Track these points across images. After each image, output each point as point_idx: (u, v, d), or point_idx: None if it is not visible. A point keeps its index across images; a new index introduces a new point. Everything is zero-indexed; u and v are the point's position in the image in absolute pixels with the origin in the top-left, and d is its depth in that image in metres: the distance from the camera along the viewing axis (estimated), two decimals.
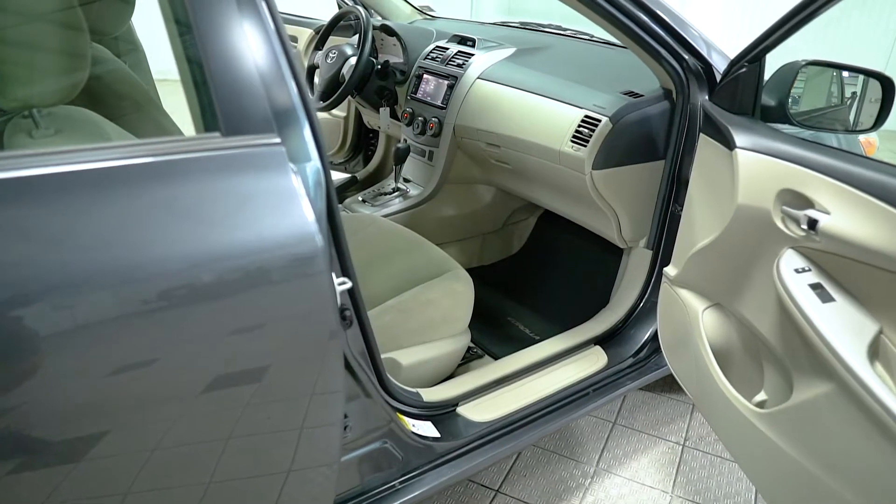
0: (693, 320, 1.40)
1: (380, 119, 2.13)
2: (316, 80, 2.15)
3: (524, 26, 2.30)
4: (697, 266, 1.37)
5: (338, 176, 2.87)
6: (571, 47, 2.00)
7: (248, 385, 0.84)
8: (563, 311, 1.97)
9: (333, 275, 0.98)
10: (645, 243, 1.71)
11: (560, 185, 1.70)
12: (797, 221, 1.07)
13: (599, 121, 1.50)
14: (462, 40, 2.03)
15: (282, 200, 0.86)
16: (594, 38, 2.09)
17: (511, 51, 1.93)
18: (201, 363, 0.79)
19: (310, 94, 0.92)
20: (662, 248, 1.69)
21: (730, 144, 1.21)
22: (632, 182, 1.60)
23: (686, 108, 1.53)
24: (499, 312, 1.98)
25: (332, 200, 0.98)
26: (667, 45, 1.44)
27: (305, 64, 2.23)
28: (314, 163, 0.94)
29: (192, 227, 0.77)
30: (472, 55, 1.91)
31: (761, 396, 1.29)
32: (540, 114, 1.65)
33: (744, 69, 1.28)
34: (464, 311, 1.50)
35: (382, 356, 1.40)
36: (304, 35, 2.69)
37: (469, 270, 2.22)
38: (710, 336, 1.38)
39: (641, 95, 1.56)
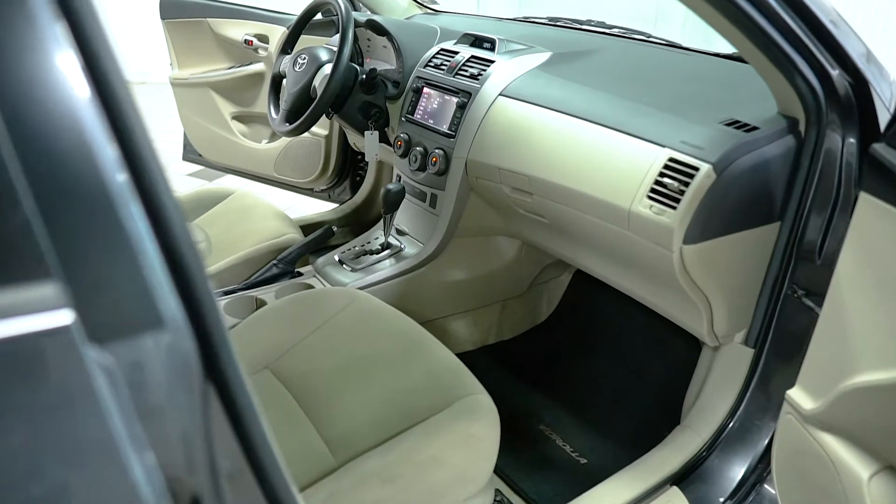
0: (851, 489, 0.89)
1: (365, 145, 1.59)
2: (282, 93, 1.62)
3: (554, 23, 1.77)
4: (863, 406, 0.86)
5: (314, 211, 2.35)
6: (629, 52, 1.46)
7: None
8: (613, 416, 1.44)
9: None
10: (742, 338, 1.18)
11: (625, 256, 1.17)
12: None
13: (696, 169, 0.97)
14: (477, 41, 1.49)
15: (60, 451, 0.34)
16: (652, 39, 1.56)
17: (545, 56, 1.40)
18: None
19: (159, 169, 0.40)
20: (769, 347, 1.16)
21: None
22: (735, 256, 1.07)
23: (820, 146, 1.01)
24: (527, 417, 1.45)
25: (245, 415, 0.46)
26: (808, 54, 0.91)
27: (272, 71, 1.70)
28: (176, 328, 0.41)
29: None
30: (492, 62, 1.37)
31: None
32: (597, 152, 1.11)
33: None
34: (485, 463, 0.97)
35: None
36: (277, 34, 2.17)
37: (485, 348, 1.71)
38: None
39: (752, 126, 1.03)
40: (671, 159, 1.01)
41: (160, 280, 0.40)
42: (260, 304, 1.36)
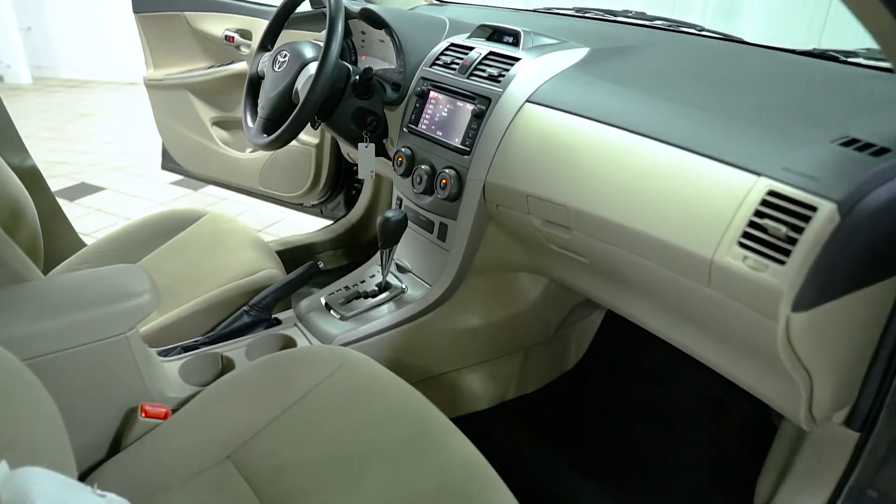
0: None
1: (358, 159, 1.32)
2: (260, 97, 1.35)
3: (583, 13, 1.50)
4: None
5: (305, 224, 2.08)
6: (683, 48, 1.19)
7: None
8: (663, 500, 1.18)
9: None
10: (844, 418, 0.91)
11: (698, 317, 0.90)
12: None
13: (812, 208, 0.70)
14: (496, 34, 1.22)
15: None
16: (705, 32, 1.29)
17: (581, 52, 1.13)
18: None
19: None
20: (879, 430, 0.89)
21: None
22: (850, 321, 0.80)
23: None
24: (558, 499, 1.18)
25: None
26: None
27: (249, 71, 1.44)
28: None
29: None
30: (516, 59, 1.10)
31: None
32: (664, 179, 0.84)
33: None
34: None
35: None
36: (261, 30, 1.91)
37: (504, 405, 1.44)
38: None
39: (879, 147, 0.75)
40: (772, 192, 0.73)
41: None
42: (227, 363, 1.09)
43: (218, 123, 2.14)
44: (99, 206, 3.07)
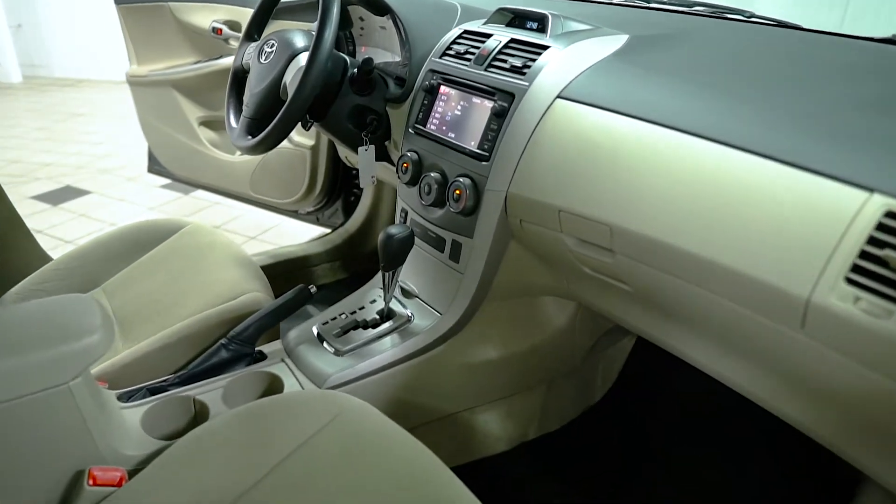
0: None
1: (358, 164, 1.15)
2: (245, 94, 1.19)
3: (611, 0, 1.33)
4: None
5: (300, 232, 1.91)
6: (735, 36, 1.02)
7: None
8: None
9: None
10: None
11: (782, 367, 0.73)
12: None
13: None
14: (517, 19, 1.05)
15: None
16: (754, 19, 1.12)
17: (621, 40, 0.95)
18: None
19: None
20: None
21: None
22: None
23: None
24: None
25: None
26: None
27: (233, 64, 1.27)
28: None
29: None
30: (545, 48, 0.93)
31: None
32: (740, 195, 0.67)
33: None
34: None
35: None
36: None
37: (524, 446, 1.27)
38: None
39: None
40: (892, 213, 0.56)
41: None
42: (200, 410, 0.92)
43: (205, 123, 1.98)
44: (83, 211, 2.91)
